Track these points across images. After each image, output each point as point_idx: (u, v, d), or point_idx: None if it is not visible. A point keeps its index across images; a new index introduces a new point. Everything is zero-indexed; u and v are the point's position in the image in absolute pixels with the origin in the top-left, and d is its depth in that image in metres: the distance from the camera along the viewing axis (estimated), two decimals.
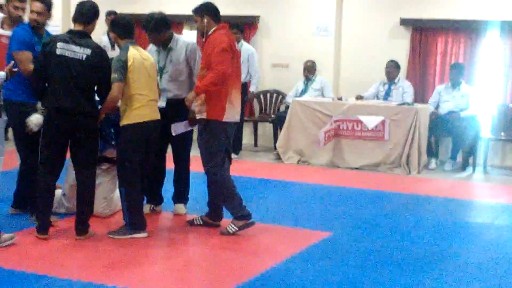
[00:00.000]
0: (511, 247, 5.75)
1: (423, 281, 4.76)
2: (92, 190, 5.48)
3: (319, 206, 6.96)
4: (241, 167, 8.28)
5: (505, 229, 6.30)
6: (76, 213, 5.51)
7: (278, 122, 10.01)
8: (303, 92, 9.98)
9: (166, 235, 5.79)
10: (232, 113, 5.63)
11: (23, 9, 6.04)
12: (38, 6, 5.71)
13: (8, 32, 5.90)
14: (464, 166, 9.22)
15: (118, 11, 9.77)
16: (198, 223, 5.92)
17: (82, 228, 5.45)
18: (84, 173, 5.43)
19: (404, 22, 10.04)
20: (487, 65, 9.84)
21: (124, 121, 5.45)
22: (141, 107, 5.43)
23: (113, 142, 5.91)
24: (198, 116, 5.62)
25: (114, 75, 5.30)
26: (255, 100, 10.60)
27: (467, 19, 9.66)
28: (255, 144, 10.68)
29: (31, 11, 5.75)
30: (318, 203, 7.14)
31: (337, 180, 8.36)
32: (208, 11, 5.64)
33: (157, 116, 5.59)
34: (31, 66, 5.51)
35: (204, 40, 5.66)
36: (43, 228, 5.40)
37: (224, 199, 5.72)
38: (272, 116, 10.48)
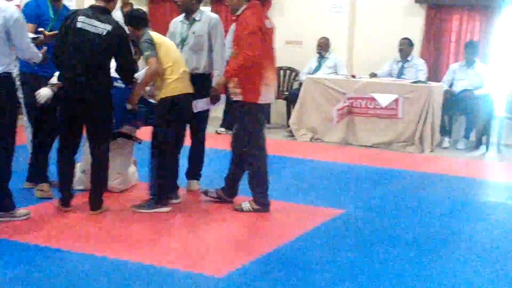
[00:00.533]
0: None
1: (434, 259, 4.78)
2: (105, 166, 5.51)
3: (331, 184, 6.98)
4: None
5: None
6: (90, 188, 5.57)
7: (291, 99, 10.01)
8: (316, 69, 9.95)
9: (179, 211, 5.79)
10: (267, 94, 5.63)
11: None
12: None
13: None
14: (477, 145, 9.19)
15: None
16: (212, 196, 5.95)
17: (96, 203, 5.49)
18: (98, 148, 5.46)
19: None
20: (503, 43, 9.76)
21: (161, 95, 5.54)
22: (177, 80, 5.54)
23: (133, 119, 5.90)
24: (233, 99, 5.63)
25: (147, 53, 5.42)
26: None
27: None
28: (268, 121, 10.65)
29: None
30: (331, 180, 7.15)
31: (350, 158, 8.37)
32: None
33: (191, 89, 5.68)
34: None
35: (235, 19, 5.63)
36: (65, 202, 5.52)
37: (255, 181, 5.72)
38: (285, 93, 10.47)
